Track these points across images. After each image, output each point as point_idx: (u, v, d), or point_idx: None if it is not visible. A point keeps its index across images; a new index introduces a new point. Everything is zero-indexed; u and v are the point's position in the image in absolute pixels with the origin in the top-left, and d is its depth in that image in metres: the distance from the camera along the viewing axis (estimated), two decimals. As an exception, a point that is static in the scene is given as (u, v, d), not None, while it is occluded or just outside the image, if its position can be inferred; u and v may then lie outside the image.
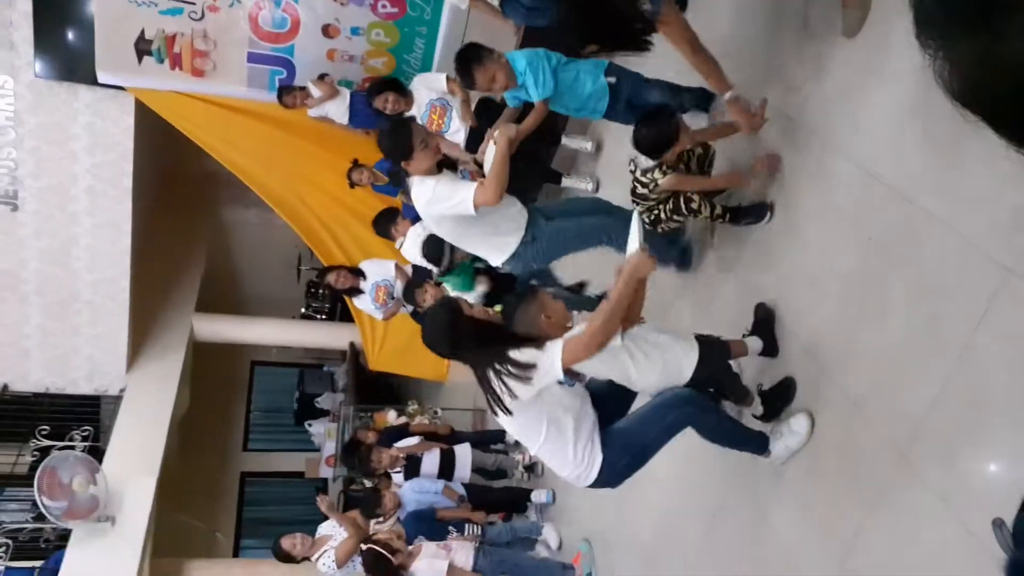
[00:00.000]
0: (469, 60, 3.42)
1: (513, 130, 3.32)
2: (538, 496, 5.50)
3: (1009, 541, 1.52)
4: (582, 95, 3.49)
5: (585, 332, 2.48)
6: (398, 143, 3.39)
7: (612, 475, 2.86)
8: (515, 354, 2.55)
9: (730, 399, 3.17)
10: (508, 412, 2.62)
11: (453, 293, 4.60)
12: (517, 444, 6.02)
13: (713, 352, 2.98)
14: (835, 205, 2.97)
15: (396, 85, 5.08)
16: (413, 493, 5.13)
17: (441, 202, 3.35)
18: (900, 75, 2.62)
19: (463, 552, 4.32)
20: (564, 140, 5.44)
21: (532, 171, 5.26)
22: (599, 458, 2.80)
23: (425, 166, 3.38)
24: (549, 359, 2.51)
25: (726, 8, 3.88)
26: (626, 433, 2.85)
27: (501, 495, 5.71)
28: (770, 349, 3.16)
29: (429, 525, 4.96)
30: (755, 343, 3.16)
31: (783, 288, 3.24)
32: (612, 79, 3.42)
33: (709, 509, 3.65)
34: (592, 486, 2.89)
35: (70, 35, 5.75)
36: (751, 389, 3.14)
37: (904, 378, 2.53)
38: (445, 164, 3.62)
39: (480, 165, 3.83)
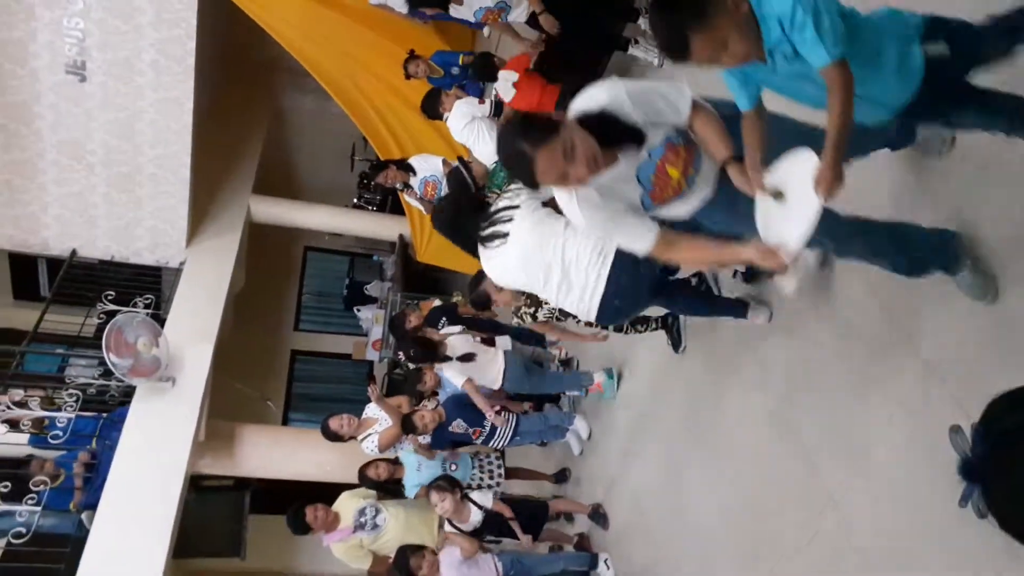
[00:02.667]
0: (683, 16, 1.79)
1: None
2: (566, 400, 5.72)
3: (966, 445, 1.63)
4: (882, 70, 1.96)
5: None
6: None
7: None
8: None
9: None
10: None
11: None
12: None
13: None
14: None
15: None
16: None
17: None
18: None
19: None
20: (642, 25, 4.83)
21: (592, 42, 5.06)
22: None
23: None
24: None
25: None
26: None
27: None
28: None
29: (468, 409, 5.19)
30: None
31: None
32: (941, 48, 1.95)
33: (717, 399, 3.80)
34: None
35: (137, -94, 5.77)
36: None
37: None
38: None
39: None
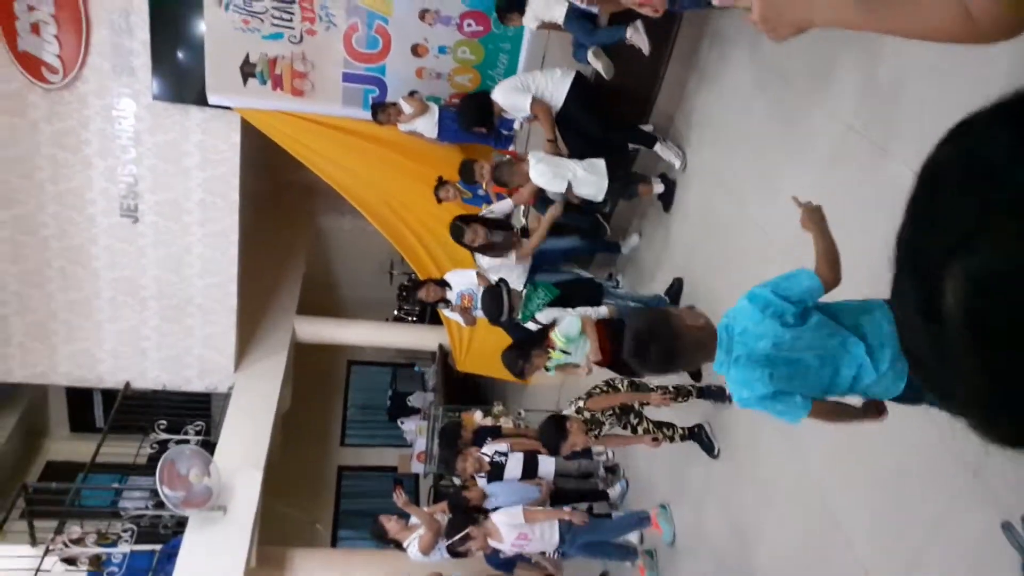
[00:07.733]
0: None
1: None
2: (613, 492, 5.66)
3: (1022, 542, 1.58)
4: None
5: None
6: None
7: None
8: None
9: None
10: None
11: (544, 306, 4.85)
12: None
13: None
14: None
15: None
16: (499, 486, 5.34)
17: None
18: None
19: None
20: (657, 147, 5.33)
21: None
22: None
23: None
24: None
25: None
26: None
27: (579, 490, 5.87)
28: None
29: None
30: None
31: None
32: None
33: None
34: None
35: (183, 60, 6.25)
36: None
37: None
38: None
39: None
